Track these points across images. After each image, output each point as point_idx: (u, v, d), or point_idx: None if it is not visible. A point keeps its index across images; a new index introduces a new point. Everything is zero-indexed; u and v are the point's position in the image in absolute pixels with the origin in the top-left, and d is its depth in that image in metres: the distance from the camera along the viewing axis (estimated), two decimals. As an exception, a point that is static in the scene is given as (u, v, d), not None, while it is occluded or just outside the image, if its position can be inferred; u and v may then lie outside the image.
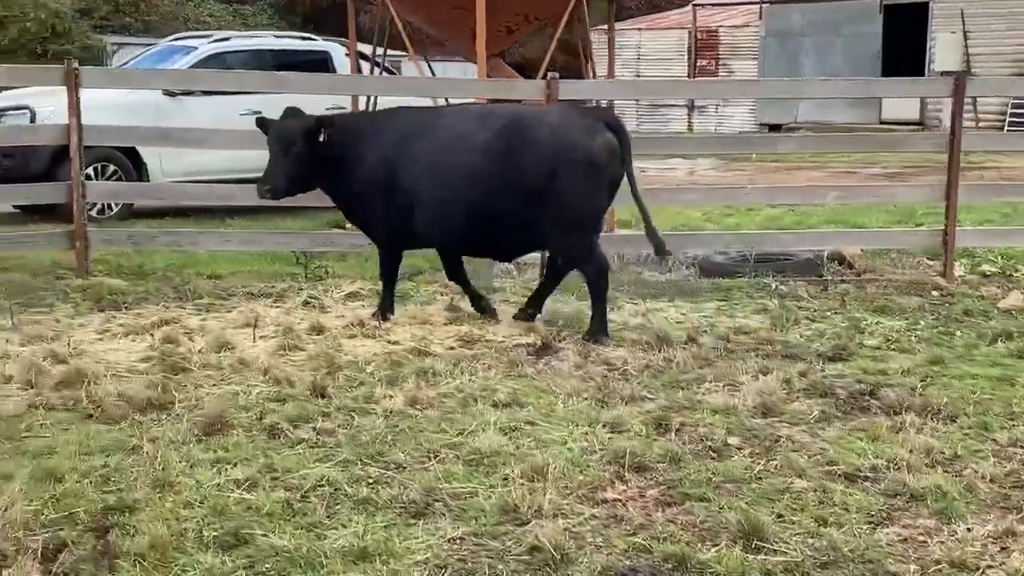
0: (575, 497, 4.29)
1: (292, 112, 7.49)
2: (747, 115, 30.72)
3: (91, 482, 4.43)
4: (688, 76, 32.01)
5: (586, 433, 5.11)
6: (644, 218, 7.37)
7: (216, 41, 13.39)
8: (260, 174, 12.20)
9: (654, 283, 9.37)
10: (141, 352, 6.68)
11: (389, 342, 7.05)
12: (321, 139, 7.28)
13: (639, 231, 11.52)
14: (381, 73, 12.33)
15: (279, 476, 4.56)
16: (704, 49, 32.25)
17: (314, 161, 7.34)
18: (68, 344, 6.70)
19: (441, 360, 6.48)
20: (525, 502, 4.12)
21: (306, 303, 8.24)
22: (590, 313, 7.30)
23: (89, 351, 6.65)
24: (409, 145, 7.33)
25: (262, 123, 7.53)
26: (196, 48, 13.06)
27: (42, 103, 11.66)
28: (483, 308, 7.82)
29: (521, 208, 7.10)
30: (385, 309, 7.67)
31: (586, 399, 5.73)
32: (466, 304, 8.16)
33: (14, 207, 11.48)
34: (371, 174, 7.35)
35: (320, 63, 13.64)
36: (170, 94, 11.72)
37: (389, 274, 7.72)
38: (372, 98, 11.34)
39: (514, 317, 7.68)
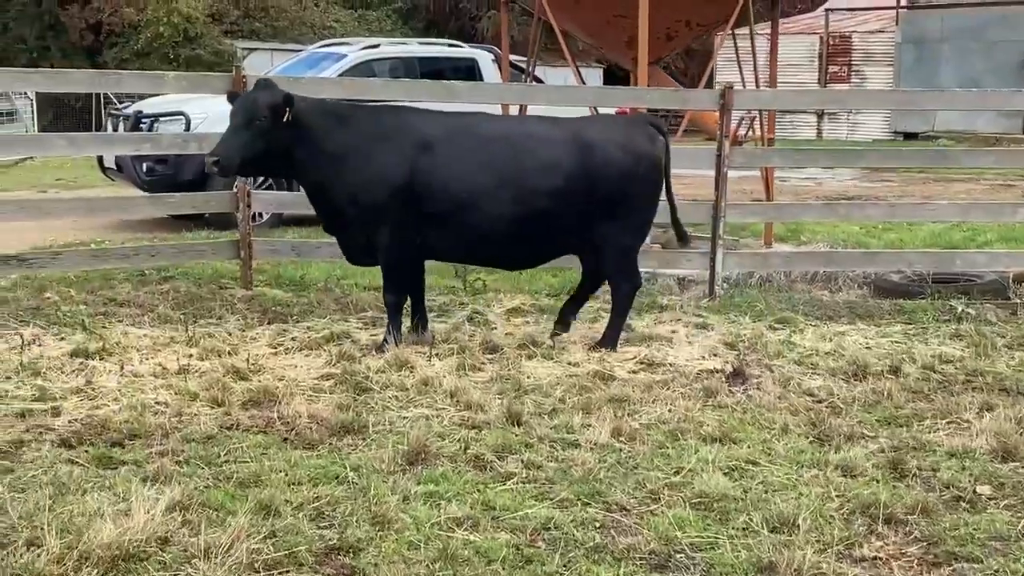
0: (832, 554, 3.93)
1: (264, 84, 6.98)
2: (881, 123, 29.82)
3: (307, 516, 4.22)
4: (819, 83, 31.20)
5: (816, 476, 4.75)
6: (672, 209, 7.49)
7: (366, 48, 13.31)
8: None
9: (828, 303, 8.91)
10: (320, 369, 6.51)
11: (569, 364, 6.76)
12: (285, 118, 6.60)
13: (804, 247, 11.21)
14: (529, 81, 12.09)
15: (498, 515, 4.30)
16: (836, 55, 31.43)
17: (279, 142, 6.67)
18: (248, 359, 6.55)
19: (630, 386, 6.17)
20: (782, 559, 3.78)
21: (471, 319, 8.01)
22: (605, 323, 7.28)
23: (268, 367, 6.50)
24: (443, 153, 6.84)
25: (231, 95, 7.06)
26: (345, 55, 13.00)
27: (195, 109, 11.69)
28: (417, 328, 7.28)
29: (582, 224, 6.95)
30: (393, 336, 6.99)
31: (801, 435, 5.37)
32: (638, 323, 7.86)
33: (171, 216, 11.49)
34: (383, 175, 6.76)
35: (467, 70, 13.48)
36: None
37: (399, 295, 7.10)
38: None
39: (551, 336, 7.36)
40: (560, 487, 4.60)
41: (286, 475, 4.65)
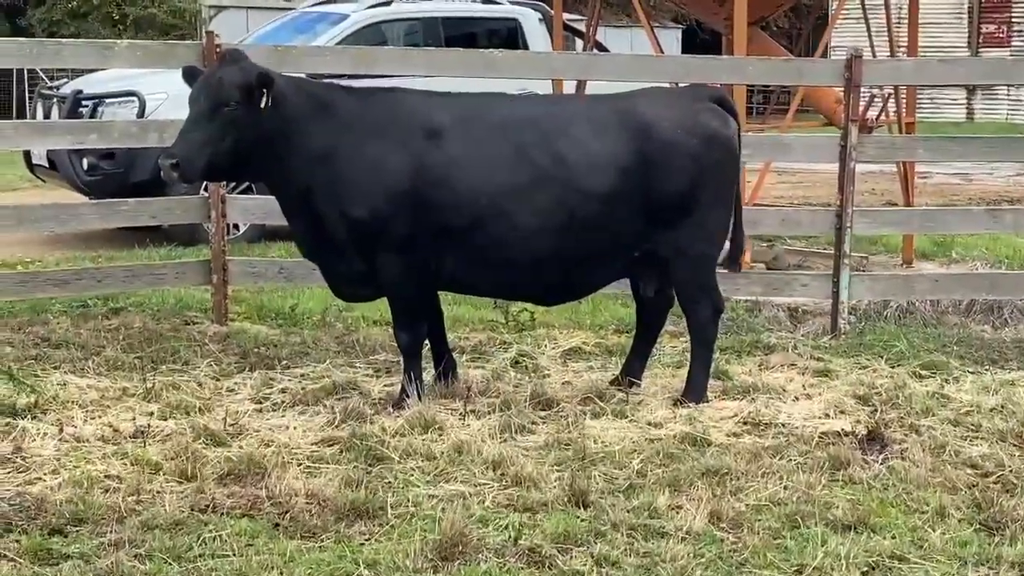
0: None
1: (233, 58, 6.81)
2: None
3: (306, 630, 4.21)
4: (968, 48, 31.06)
5: (987, 577, 4.69)
6: (737, 217, 7.39)
7: (373, 7, 13.35)
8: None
9: (991, 342, 8.83)
10: (319, 431, 6.52)
11: (648, 424, 6.74)
12: (262, 104, 6.52)
13: (956, 267, 11.12)
14: (589, 48, 12.10)
15: (561, 628, 4.27)
16: (991, 10, 31.28)
17: (253, 136, 6.58)
18: (224, 418, 6.57)
19: (731, 454, 6.14)
20: None
21: (516, 363, 8.01)
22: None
23: (251, 428, 6.52)
24: (457, 148, 6.81)
25: (189, 73, 6.84)
26: (347, 16, 13.06)
27: (152, 88, 11.76)
28: (445, 374, 7.34)
29: (641, 233, 6.96)
30: (414, 389, 6.96)
31: (963, 520, 5.31)
32: (737, 368, 7.83)
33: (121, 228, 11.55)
34: (382, 178, 6.74)
35: (508, 33, 13.50)
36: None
37: (416, 333, 7.05)
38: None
39: (616, 385, 7.38)
40: (644, 591, 4.57)
41: (281, 574, 4.64)
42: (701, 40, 31.80)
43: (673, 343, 8.56)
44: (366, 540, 5.05)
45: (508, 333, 8.77)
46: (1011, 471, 5.95)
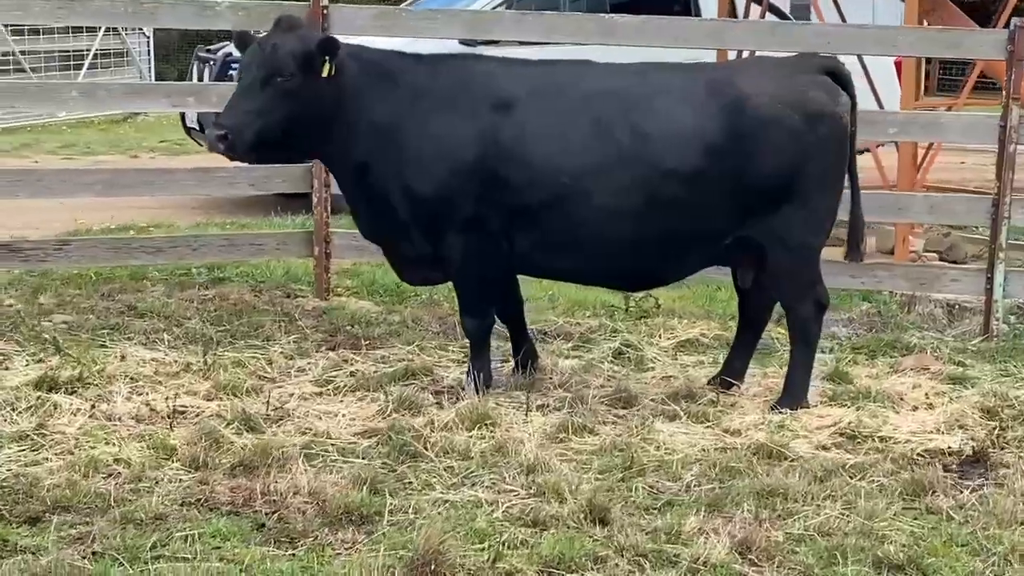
0: None
1: (288, 25, 6.43)
2: None
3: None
4: None
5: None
6: (854, 201, 6.82)
7: (536, -30, 12.92)
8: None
9: None
10: (366, 420, 6.17)
11: (726, 431, 6.17)
12: (325, 73, 6.22)
13: None
14: (764, 15, 11.42)
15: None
16: None
17: (311, 109, 6.28)
18: (268, 401, 6.26)
19: (801, 471, 5.52)
20: None
21: (619, 353, 7.50)
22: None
23: (297, 413, 6.20)
24: (533, 120, 6.38)
25: (241, 39, 6.57)
26: (512, -22, 12.64)
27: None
28: (524, 363, 6.92)
29: (735, 218, 6.44)
30: (482, 377, 6.62)
31: (1035, 569, 4.62)
32: (860, 370, 7.18)
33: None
34: (449, 151, 6.36)
35: (678, 2, 12.89)
36: (469, 43, 11.31)
37: (484, 318, 6.70)
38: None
39: (711, 385, 6.84)
40: (619, 636, 4.04)
41: (221, 586, 4.28)
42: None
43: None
44: (344, 551, 4.67)
45: (623, 321, 8.23)
46: (1123, 511, 5.18)
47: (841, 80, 6.60)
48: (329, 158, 6.76)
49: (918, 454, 5.86)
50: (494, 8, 11.80)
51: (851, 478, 5.50)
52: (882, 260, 9.77)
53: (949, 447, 5.96)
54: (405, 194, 6.39)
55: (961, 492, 5.40)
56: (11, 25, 18.81)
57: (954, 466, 5.74)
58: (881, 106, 10.76)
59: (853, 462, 5.73)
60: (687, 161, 6.28)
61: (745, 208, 6.40)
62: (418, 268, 6.75)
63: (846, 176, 6.71)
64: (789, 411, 6.42)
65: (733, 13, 11.56)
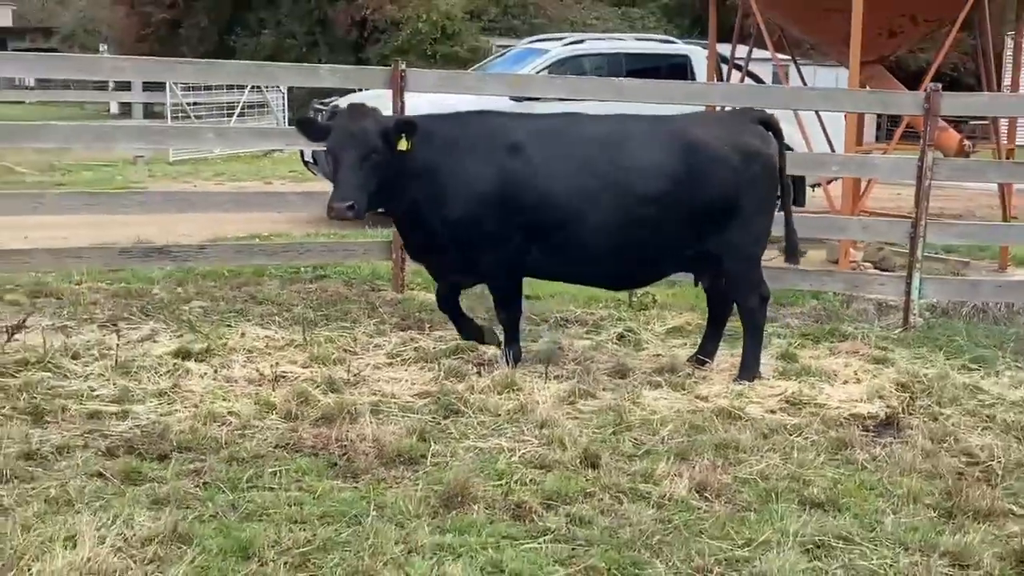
0: None
1: (363, 111, 6.17)
2: None
3: (288, 564, 3.78)
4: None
5: (915, 565, 3.88)
6: (787, 220, 6.70)
7: (569, 44, 12.81)
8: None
9: (1047, 342, 7.68)
10: (424, 384, 6.09)
11: (697, 397, 6.04)
12: (404, 147, 6.03)
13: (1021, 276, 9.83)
14: (743, 79, 11.23)
15: (503, 581, 3.71)
16: None
17: (391, 172, 6.06)
18: (349, 369, 6.21)
19: (751, 429, 5.40)
20: None
21: (621, 336, 7.37)
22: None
23: (370, 379, 6.13)
24: (540, 158, 6.21)
25: (305, 124, 6.42)
26: (548, 51, 12.54)
27: (387, 106, 11.51)
28: (477, 335, 6.72)
29: (695, 236, 6.27)
30: (509, 355, 6.45)
31: (930, 506, 4.48)
32: (805, 352, 7.02)
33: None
34: (483, 191, 6.17)
35: (678, 68, 12.72)
36: (517, 100, 11.24)
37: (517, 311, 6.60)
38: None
39: (689, 362, 6.66)
40: (595, 551, 3.95)
41: (298, 510, 4.23)
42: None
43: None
44: (393, 484, 4.58)
45: (627, 312, 8.12)
46: (1000, 462, 5.02)
47: (772, 128, 6.48)
48: (391, 204, 6.39)
49: (844, 418, 5.71)
50: (537, 72, 11.70)
51: (790, 435, 5.36)
52: (826, 268, 9.58)
53: (869, 412, 5.81)
54: (445, 223, 6.26)
55: (875, 448, 5.24)
56: (180, 83, 18.93)
57: (871, 427, 5.58)
58: (832, 149, 10.56)
59: (793, 423, 5.60)
60: (656, 189, 6.18)
61: (699, 228, 6.29)
62: (454, 273, 6.58)
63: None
64: (747, 382, 6.30)
65: (720, 77, 11.39)
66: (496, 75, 10.38)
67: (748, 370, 6.40)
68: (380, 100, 11.36)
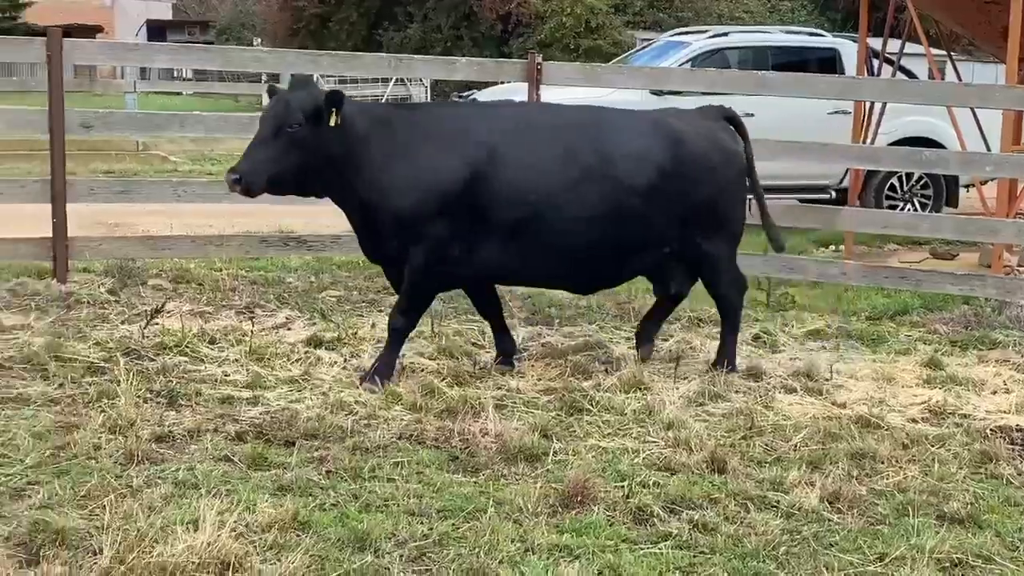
0: None
1: (301, 83, 5.79)
2: None
3: (404, 557, 3.76)
4: None
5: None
6: (763, 213, 6.60)
7: (713, 36, 12.58)
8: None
9: None
10: (550, 380, 6.03)
11: (834, 403, 5.83)
12: (332, 123, 5.49)
13: None
14: (894, 75, 10.84)
15: (620, 586, 3.62)
16: None
17: (318, 154, 5.54)
18: (475, 362, 6.19)
19: (890, 440, 5.17)
20: None
21: (756, 338, 7.20)
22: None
23: (495, 373, 6.09)
24: (508, 153, 5.76)
25: (270, 92, 5.93)
26: (690, 44, 12.33)
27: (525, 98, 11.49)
28: (505, 355, 6.27)
29: (672, 236, 6.11)
30: (386, 369, 5.80)
31: (1078, 528, 4.21)
32: (952, 360, 6.73)
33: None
34: (430, 184, 5.67)
35: (827, 62, 12.36)
36: (657, 93, 11.09)
37: (413, 322, 5.99)
38: (875, 106, 9.95)
39: (638, 350, 6.52)
40: (717, 560, 3.83)
41: (417, 502, 4.21)
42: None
43: (907, 331, 7.48)
44: (513, 480, 4.54)
45: (763, 312, 7.92)
46: None
47: (735, 123, 6.38)
48: (344, 199, 5.86)
49: (990, 430, 5.43)
50: (679, 66, 11.52)
51: (931, 447, 5.10)
52: (979, 272, 9.16)
53: (1018, 425, 5.52)
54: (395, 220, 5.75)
55: (1022, 462, 4.98)
56: (326, 76, 19.24)
57: (1020, 440, 5.30)
58: (988, 148, 10.11)
59: (935, 434, 5.34)
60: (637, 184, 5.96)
61: (684, 224, 6.15)
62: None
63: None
64: (725, 369, 6.21)
65: (871, 72, 11.02)
66: (634, 68, 10.25)
67: (726, 357, 6.33)
68: (519, 93, 11.46)
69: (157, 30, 53.67)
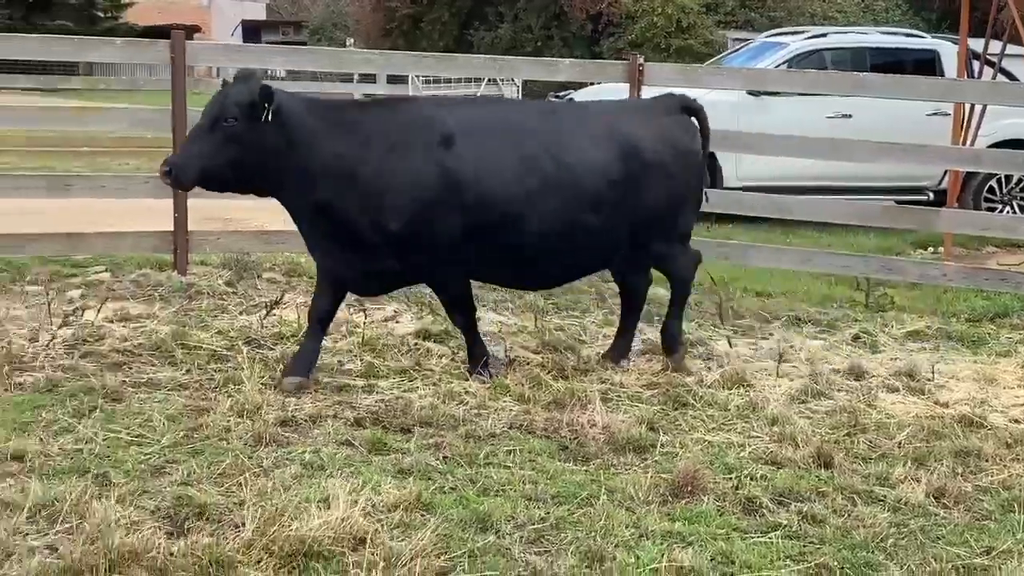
0: None
1: (242, 76, 5.52)
2: None
3: (523, 538, 3.93)
4: None
5: None
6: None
7: (811, 38, 12.56)
8: (845, 183, 11.36)
9: None
10: (651, 376, 6.15)
11: (936, 403, 5.87)
12: (263, 118, 5.28)
13: None
14: (995, 77, 10.74)
15: (733, 572, 3.76)
16: None
17: (256, 149, 5.33)
18: (578, 357, 6.34)
19: (993, 439, 5.21)
20: None
21: (856, 338, 7.24)
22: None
23: (598, 368, 6.24)
24: (475, 151, 5.60)
25: (226, 84, 5.61)
26: (788, 45, 12.33)
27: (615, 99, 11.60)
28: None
29: (632, 231, 6.01)
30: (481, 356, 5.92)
31: None
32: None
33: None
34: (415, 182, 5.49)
35: (925, 63, 12.27)
36: (754, 94, 11.13)
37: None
38: (975, 108, 9.87)
39: (602, 356, 6.36)
40: (827, 549, 3.94)
41: (532, 488, 4.38)
42: None
43: (1007, 334, 7.45)
44: (623, 470, 4.68)
45: (862, 312, 7.95)
46: None
47: (694, 112, 6.29)
48: (286, 196, 5.66)
49: (1101, 429, 5.45)
50: (776, 67, 11.54)
51: (1037, 447, 5.16)
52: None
53: (1124, 427, 5.52)
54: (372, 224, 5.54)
55: None
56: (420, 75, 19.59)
57: None
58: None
59: (1041, 434, 5.38)
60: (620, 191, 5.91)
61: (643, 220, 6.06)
62: (372, 286, 6.02)
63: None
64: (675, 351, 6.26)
65: (971, 74, 10.93)
66: (733, 69, 10.31)
67: (680, 346, 6.34)
68: (614, 93, 11.57)
69: (252, 30, 54.71)
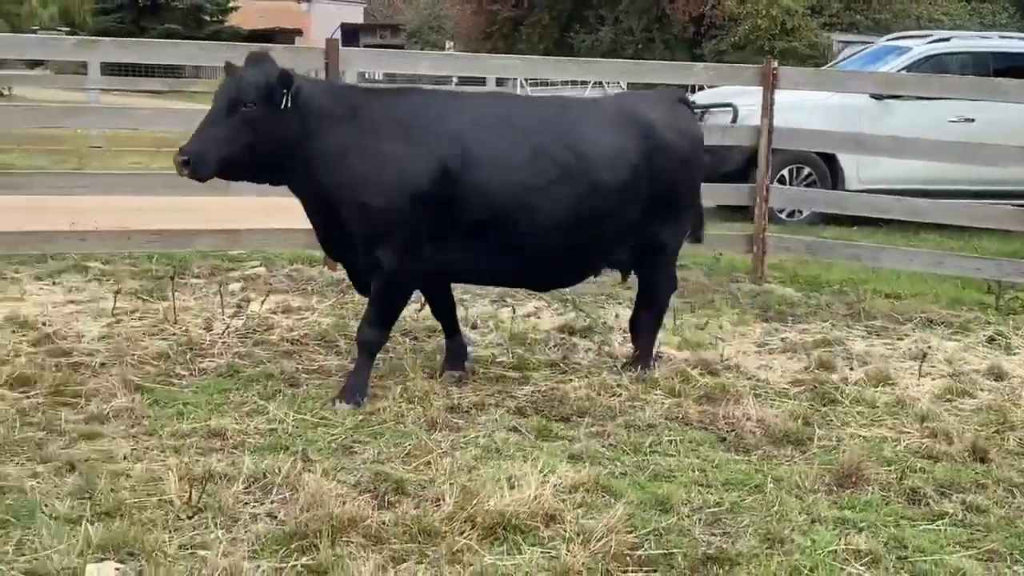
0: None
1: (255, 60, 5.30)
2: None
3: (702, 520, 4.15)
4: None
5: None
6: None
7: (934, 42, 12.54)
8: (966, 187, 11.32)
9: None
10: (794, 373, 6.32)
11: (1086, 403, 5.94)
12: (283, 104, 5.13)
13: None
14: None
15: (908, 556, 3.93)
16: None
17: (272, 136, 5.16)
18: (721, 356, 6.53)
19: None
20: None
21: (991, 340, 7.31)
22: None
23: (741, 365, 6.42)
24: (481, 145, 5.39)
25: (227, 70, 5.36)
26: (910, 49, 12.34)
27: (746, 101, 11.73)
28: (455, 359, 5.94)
29: (643, 223, 5.86)
30: (361, 388, 5.40)
31: None
32: None
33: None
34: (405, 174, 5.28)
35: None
36: (877, 97, 11.18)
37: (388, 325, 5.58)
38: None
39: (622, 367, 6.14)
40: (995, 537, 4.09)
41: (703, 475, 4.60)
42: None
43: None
44: (785, 461, 4.87)
45: (994, 314, 8.00)
46: None
47: (686, 104, 6.34)
48: (297, 185, 5.45)
49: None
50: (898, 71, 11.57)
51: None
52: None
53: None
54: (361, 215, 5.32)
55: None
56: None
57: None
58: None
59: None
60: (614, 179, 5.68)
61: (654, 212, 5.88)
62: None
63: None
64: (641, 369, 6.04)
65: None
66: (864, 73, 10.39)
67: (650, 357, 6.19)
68: (735, 97, 11.69)
69: (351, 33, 55.59)
